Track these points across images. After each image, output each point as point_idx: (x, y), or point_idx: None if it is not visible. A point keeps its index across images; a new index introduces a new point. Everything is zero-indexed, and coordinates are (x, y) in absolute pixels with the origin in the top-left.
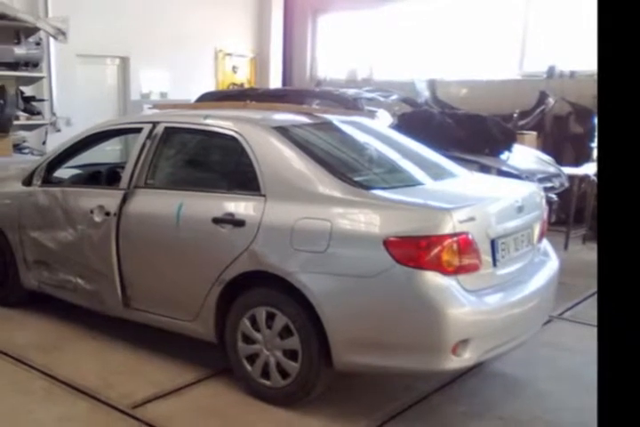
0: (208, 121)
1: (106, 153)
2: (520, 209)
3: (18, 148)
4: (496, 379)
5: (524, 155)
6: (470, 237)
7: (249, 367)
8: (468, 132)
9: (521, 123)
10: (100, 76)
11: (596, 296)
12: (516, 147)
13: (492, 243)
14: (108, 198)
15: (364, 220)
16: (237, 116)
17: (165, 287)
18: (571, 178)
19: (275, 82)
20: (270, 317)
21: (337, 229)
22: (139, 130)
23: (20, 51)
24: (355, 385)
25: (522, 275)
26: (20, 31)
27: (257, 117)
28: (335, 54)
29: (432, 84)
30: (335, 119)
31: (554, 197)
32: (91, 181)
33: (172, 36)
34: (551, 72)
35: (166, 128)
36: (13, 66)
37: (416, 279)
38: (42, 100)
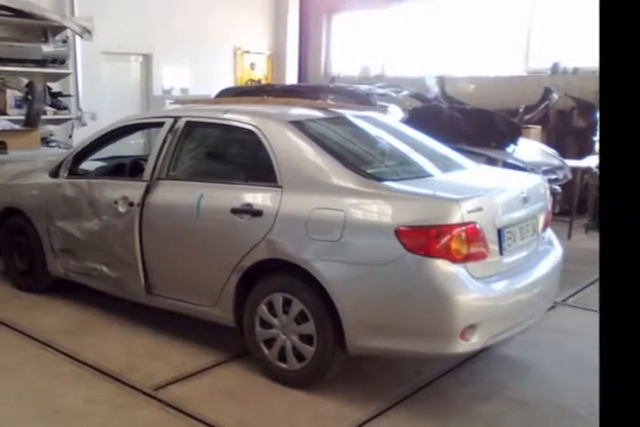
0: (227, 116)
1: (129, 146)
2: (525, 200)
3: (45, 141)
4: (503, 362)
5: (529, 148)
6: (478, 226)
7: (266, 351)
8: (475, 126)
9: (526, 117)
10: (124, 72)
11: (597, 283)
12: (522, 140)
13: (499, 232)
14: (132, 190)
15: (376, 210)
16: (255, 111)
17: (186, 274)
18: (574, 170)
19: (291, 78)
20: (287, 303)
21: (350, 219)
22: (161, 124)
23: (47, 48)
24: (367, 369)
25: (527, 263)
26: (47, 30)
27: (274, 112)
28: (348, 52)
29: (441, 81)
30: (349, 114)
31: (557, 188)
32: (115, 172)
33: (193, 35)
34: (555, 69)
35: (187, 122)
36: (41, 63)
37: (426, 267)
38: (68, 96)
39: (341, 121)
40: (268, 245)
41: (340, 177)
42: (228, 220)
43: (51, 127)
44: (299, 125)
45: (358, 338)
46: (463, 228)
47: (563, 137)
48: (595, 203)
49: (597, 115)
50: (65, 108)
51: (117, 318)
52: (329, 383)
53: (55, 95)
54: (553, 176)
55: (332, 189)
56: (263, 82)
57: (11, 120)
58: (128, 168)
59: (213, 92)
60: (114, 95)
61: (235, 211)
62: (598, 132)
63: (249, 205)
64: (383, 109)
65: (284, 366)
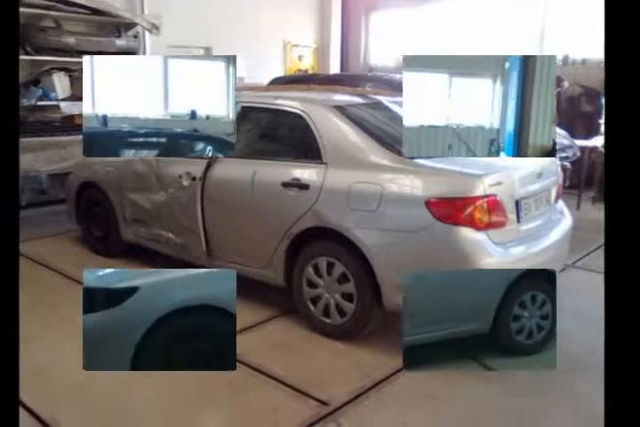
0: (278, 101)
1: None
2: (539, 175)
3: None
4: None
5: None
6: (498, 198)
7: (312, 308)
8: None
9: None
10: None
11: (603, 248)
12: None
13: (517, 203)
14: (195, 166)
15: (409, 184)
16: (303, 97)
17: (242, 241)
18: (582, 149)
19: (334, 68)
20: (330, 265)
21: (386, 192)
22: None
23: (120, 42)
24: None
25: (541, 230)
26: (120, 26)
27: (319, 98)
28: (385, 45)
29: None
30: (384, 99)
31: (568, 165)
32: None
33: (249, 30)
34: (565, 60)
35: (243, 107)
36: (115, 55)
37: (453, 234)
38: None
39: (378, 106)
40: (313, 215)
41: (377, 155)
42: (279, 192)
43: None
44: (341, 110)
45: (393, 296)
46: (485, 199)
47: (572, 120)
48: (600, 178)
49: (603, 100)
50: None
51: None
52: (367, 336)
53: None
54: (564, 154)
55: (370, 166)
56: (310, 72)
57: None
58: None
59: (266, 81)
60: None
61: (285, 185)
62: (604, 116)
63: (297, 179)
64: None
65: (327, 320)
